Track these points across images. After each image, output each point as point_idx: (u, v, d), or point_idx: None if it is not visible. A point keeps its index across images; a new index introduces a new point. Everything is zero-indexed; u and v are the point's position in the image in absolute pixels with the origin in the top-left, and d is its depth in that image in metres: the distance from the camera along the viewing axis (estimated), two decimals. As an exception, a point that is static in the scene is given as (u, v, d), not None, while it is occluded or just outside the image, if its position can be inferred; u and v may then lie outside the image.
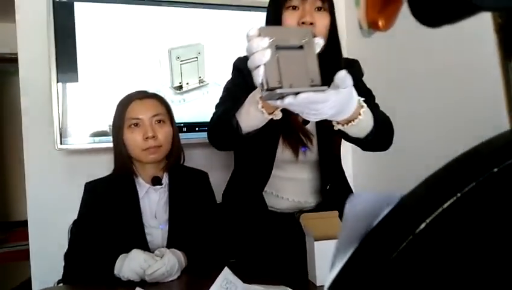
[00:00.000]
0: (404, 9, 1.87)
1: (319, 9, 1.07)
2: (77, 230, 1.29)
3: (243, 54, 0.92)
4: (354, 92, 0.83)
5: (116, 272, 1.11)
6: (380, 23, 1.98)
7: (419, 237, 0.19)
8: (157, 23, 1.96)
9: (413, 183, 0.22)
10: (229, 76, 1.25)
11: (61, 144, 1.82)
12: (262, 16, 1.21)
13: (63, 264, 1.23)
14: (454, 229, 0.19)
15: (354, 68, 1.20)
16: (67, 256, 1.24)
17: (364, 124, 0.91)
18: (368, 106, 0.92)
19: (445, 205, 0.19)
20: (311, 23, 1.04)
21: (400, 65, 1.95)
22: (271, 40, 0.70)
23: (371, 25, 2.07)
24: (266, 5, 1.18)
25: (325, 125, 1.01)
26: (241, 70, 1.08)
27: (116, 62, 1.91)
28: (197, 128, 2.02)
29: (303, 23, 1.04)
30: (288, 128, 1.12)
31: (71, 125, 1.85)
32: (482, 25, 1.44)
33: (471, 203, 0.19)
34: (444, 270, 0.19)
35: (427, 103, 1.78)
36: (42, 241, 1.92)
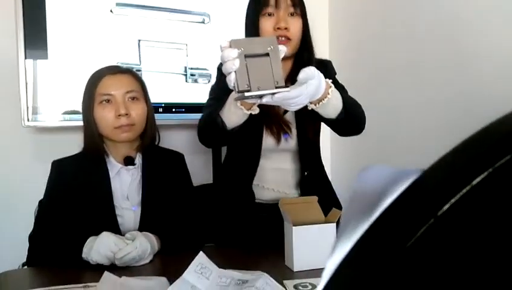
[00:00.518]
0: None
1: (292, 14, 1.19)
2: (43, 210, 1.22)
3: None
4: (322, 77, 0.95)
5: (84, 255, 1.06)
6: None
7: (441, 221, 0.15)
8: (133, -4, 1.87)
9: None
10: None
11: (28, 120, 1.74)
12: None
13: (28, 246, 1.17)
14: (484, 211, 0.15)
15: (327, 68, 1.30)
16: (32, 238, 1.18)
17: (333, 102, 1.02)
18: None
19: (475, 182, 0.15)
20: (286, 28, 1.16)
21: (385, 55, 1.94)
22: (240, 50, 0.84)
23: None
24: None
25: (302, 114, 1.18)
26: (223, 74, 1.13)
27: (89, 38, 1.81)
28: (173, 110, 1.95)
29: (278, 28, 1.16)
30: (269, 118, 1.22)
31: (41, 102, 1.76)
32: (474, 15, 1.42)
33: (506, 180, 0.15)
34: (470, 260, 0.15)
35: (410, 93, 1.77)
36: (7, 222, 1.84)
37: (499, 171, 0.15)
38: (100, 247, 1.03)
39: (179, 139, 2.00)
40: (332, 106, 1.04)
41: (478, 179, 0.15)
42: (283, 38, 1.16)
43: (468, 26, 1.45)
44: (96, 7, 1.82)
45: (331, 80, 1.03)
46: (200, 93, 1.98)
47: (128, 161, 1.23)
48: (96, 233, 1.08)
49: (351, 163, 2.12)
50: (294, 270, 1.03)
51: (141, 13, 1.89)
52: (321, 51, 2.34)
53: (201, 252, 0.91)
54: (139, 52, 1.89)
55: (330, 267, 0.17)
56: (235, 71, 0.85)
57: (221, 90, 1.14)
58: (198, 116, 1.96)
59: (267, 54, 0.87)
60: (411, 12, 1.72)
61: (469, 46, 1.45)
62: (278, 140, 1.24)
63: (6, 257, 1.79)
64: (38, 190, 1.31)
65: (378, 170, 0.18)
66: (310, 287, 0.95)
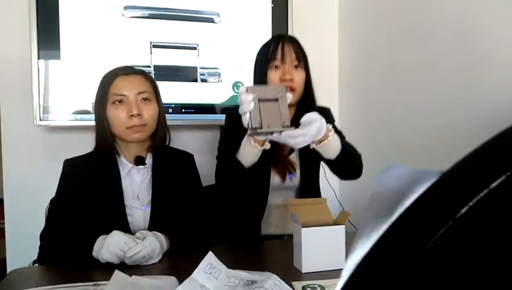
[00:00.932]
0: (397, 1, 1.85)
1: (296, 67, 1.32)
2: (54, 209, 1.23)
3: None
4: (323, 121, 1.11)
5: (94, 253, 1.07)
6: None
7: (460, 223, 0.15)
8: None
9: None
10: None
11: (40, 120, 1.76)
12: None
13: (39, 244, 1.18)
14: (502, 214, 0.16)
15: (326, 114, 1.38)
16: (43, 236, 1.19)
17: (333, 143, 1.17)
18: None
19: (493, 186, 0.16)
20: (291, 80, 1.29)
21: (394, 58, 1.93)
22: (254, 95, 1.01)
23: None
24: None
25: (306, 155, 1.34)
26: (234, 117, 1.28)
27: (101, 39, 1.83)
28: (183, 110, 1.96)
29: (284, 79, 1.28)
30: (276, 158, 1.35)
31: (52, 102, 1.78)
32: (482, 17, 1.41)
33: (524, 184, 0.16)
34: (488, 261, 0.15)
35: (420, 97, 1.76)
36: (18, 220, 1.86)
37: (517, 175, 0.16)
38: (110, 245, 1.04)
39: (188, 139, 2.01)
40: (332, 146, 1.18)
41: (496, 183, 0.15)
42: (288, 89, 1.24)
43: (478, 29, 1.43)
44: (108, 9, 1.84)
45: (331, 125, 1.18)
46: (210, 94, 1.99)
47: (139, 161, 1.24)
48: (107, 232, 1.08)
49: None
50: (303, 271, 1.03)
51: (152, 15, 1.91)
52: (331, 53, 2.36)
53: (210, 252, 0.91)
54: (151, 55, 1.90)
55: (350, 266, 0.18)
56: (250, 112, 1.02)
57: (232, 135, 1.28)
58: (208, 116, 2.00)
59: (277, 99, 1.04)
60: (422, 13, 1.72)
61: (479, 49, 1.43)
62: (284, 179, 1.36)
63: (17, 255, 1.82)
64: (49, 189, 1.32)
65: (396, 171, 0.18)
66: (318, 288, 0.95)
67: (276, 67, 1.31)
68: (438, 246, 0.16)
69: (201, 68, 1.98)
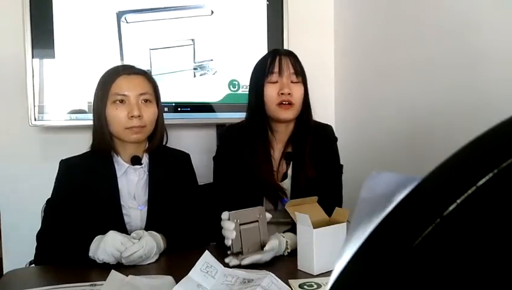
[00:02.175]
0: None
1: (294, 82, 1.30)
2: (51, 209, 1.23)
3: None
4: (281, 247, 1.14)
5: (91, 254, 1.06)
6: None
7: (448, 221, 0.15)
8: (139, -3, 1.88)
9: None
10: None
11: (35, 120, 1.75)
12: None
13: (36, 244, 1.18)
14: (490, 211, 0.16)
15: (327, 132, 1.42)
16: (40, 236, 1.18)
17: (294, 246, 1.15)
18: (327, 182, 1.32)
19: (480, 183, 0.16)
20: (289, 94, 1.27)
21: (390, 55, 1.93)
22: (236, 222, 1.08)
23: None
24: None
25: (298, 183, 1.33)
26: (227, 138, 1.37)
27: (97, 38, 1.82)
28: (179, 109, 1.96)
29: (282, 93, 1.27)
30: (267, 187, 1.33)
31: (47, 102, 1.77)
32: (478, 15, 1.41)
33: (510, 181, 0.16)
34: (477, 260, 0.16)
35: (416, 93, 1.77)
36: (14, 221, 1.86)
37: (504, 172, 0.16)
38: (107, 246, 1.04)
39: (184, 138, 2.00)
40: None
41: (483, 181, 0.16)
42: (286, 103, 1.28)
43: (476, 25, 1.44)
44: (102, 7, 1.83)
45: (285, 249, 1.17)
46: (206, 92, 1.99)
47: (135, 161, 1.24)
48: (103, 232, 1.08)
49: (358, 163, 2.12)
50: (315, 273, 1.01)
51: (148, 16, 1.90)
52: (326, 54, 2.36)
53: (206, 251, 0.91)
54: (150, 57, 1.90)
55: (338, 268, 0.18)
56: (231, 239, 1.07)
57: (225, 174, 1.33)
58: (204, 115, 1.99)
59: (257, 221, 1.12)
60: (417, 11, 1.72)
61: (476, 46, 1.44)
62: (276, 206, 1.34)
63: (14, 256, 1.81)
64: (45, 189, 1.31)
65: (384, 177, 0.18)
66: (315, 286, 0.95)
67: (274, 82, 1.29)
68: (425, 243, 0.16)
69: (198, 62, 1.97)
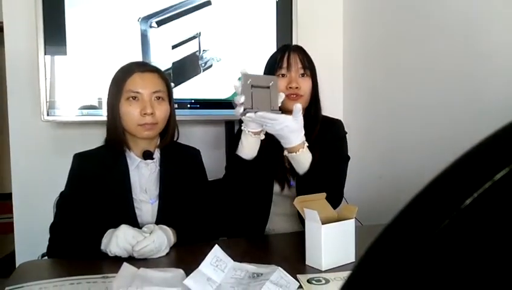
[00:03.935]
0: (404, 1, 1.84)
1: (303, 75, 1.35)
2: (64, 202, 1.24)
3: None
4: (300, 128, 1.20)
5: (103, 247, 1.08)
6: None
7: (465, 213, 0.16)
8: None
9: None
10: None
11: (47, 115, 1.77)
12: None
13: (49, 236, 1.20)
14: (506, 205, 0.16)
15: (336, 126, 1.45)
16: (53, 228, 1.20)
17: (302, 159, 1.23)
18: (329, 164, 1.31)
19: (497, 177, 0.16)
20: (297, 87, 1.32)
21: (397, 56, 1.93)
22: (249, 81, 1.12)
23: None
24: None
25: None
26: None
27: (108, 35, 1.84)
28: (188, 106, 1.97)
29: (290, 87, 1.32)
30: (277, 168, 1.39)
31: (59, 98, 1.80)
32: (485, 17, 1.40)
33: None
34: (491, 252, 0.16)
35: (422, 95, 1.76)
36: (27, 214, 1.89)
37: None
38: (119, 240, 1.05)
39: (193, 134, 2.02)
40: (301, 162, 1.24)
41: (499, 175, 0.16)
42: (294, 96, 1.32)
43: (481, 28, 1.43)
44: (114, 5, 1.85)
45: (307, 145, 1.24)
46: (215, 89, 2.00)
47: (147, 155, 1.26)
48: (115, 224, 1.10)
49: (366, 159, 2.12)
50: (323, 269, 1.02)
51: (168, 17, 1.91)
52: (335, 52, 2.36)
53: (216, 245, 0.92)
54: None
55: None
56: (243, 96, 1.12)
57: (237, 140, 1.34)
58: (213, 112, 2.01)
59: (268, 87, 1.15)
60: (427, 10, 1.71)
61: (482, 48, 1.43)
62: (282, 188, 1.39)
63: (26, 249, 1.84)
64: (56, 183, 1.33)
65: None
66: (323, 281, 0.96)
67: (283, 75, 1.34)
68: (443, 235, 0.16)
69: (203, 51, 1.98)
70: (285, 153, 1.25)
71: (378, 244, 0.18)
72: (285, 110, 1.30)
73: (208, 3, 1.98)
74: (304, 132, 1.22)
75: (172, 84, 1.36)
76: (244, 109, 1.12)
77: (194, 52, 1.97)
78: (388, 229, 0.18)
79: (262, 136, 1.26)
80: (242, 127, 1.25)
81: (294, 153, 1.23)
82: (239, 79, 1.16)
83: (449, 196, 0.17)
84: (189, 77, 1.97)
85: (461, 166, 0.18)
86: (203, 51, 1.98)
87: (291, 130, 1.18)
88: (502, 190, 0.16)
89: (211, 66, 1.99)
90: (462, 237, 0.17)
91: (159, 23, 1.91)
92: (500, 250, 0.16)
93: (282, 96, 1.19)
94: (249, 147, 1.26)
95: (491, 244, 0.16)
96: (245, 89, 1.12)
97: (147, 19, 1.89)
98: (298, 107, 1.17)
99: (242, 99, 1.12)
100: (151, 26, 1.89)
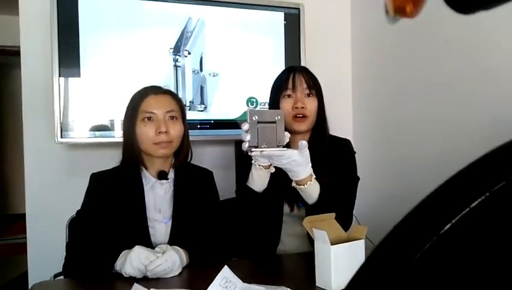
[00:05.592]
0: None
1: (309, 95, 1.37)
2: (80, 221, 1.28)
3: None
4: (307, 162, 1.20)
5: (118, 268, 1.10)
6: (408, 8, 1.96)
7: (444, 239, 0.17)
8: (161, 18, 1.95)
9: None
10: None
11: (61, 137, 1.81)
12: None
13: (64, 255, 1.22)
14: (483, 231, 0.18)
15: (345, 146, 1.46)
16: (69, 246, 1.23)
17: (310, 191, 1.25)
18: (338, 188, 1.32)
19: (473, 205, 0.18)
20: (303, 107, 1.34)
21: (405, 70, 1.94)
22: (255, 118, 1.12)
23: (398, 11, 2.05)
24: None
25: None
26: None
27: (120, 57, 1.89)
28: (198, 126, 2.00)
29: (296, 107, 1.34)
30: (285, 189, 1.36)
31: (72, 119, 1.83)
32: (497, 26, 1.42)
33: (502, 203, 0.17)
34: (470, 274, 0.17)
35: (428, 109, 1.77)
36: (40, 235, 1.91)
37: (495, 195, 0.17)
38: (133, 260, 1.08)
39: (204, 154, 2.04)
40: (309, 194, 1.26)
41: (476, 203, 0.17)
42: (300, 116, 1.34)
43: (488, 42, 1.44)
44: (127, 27, 1.90)
45: (314, 177, 1.24)
46: (224, 110, 2.03)
47: (162, 175, 1.29)
48: (129, 243, 1.13)
49: (375, 178, 2.12)
50: None
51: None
52: (344, 72, 2.38)
53: (225, 266, 0.93)
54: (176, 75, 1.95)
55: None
56: (249, 133, 1.13)
57: (245, 166, 1.36)
58: (223, 132, 2.03)
59: (274, 122, 1.15)
60: (432, 31, 1.73)
61: (491, 66, 1.44)
62: (292, 208, 1.40)
63: (38, 269, 1.86)
64: (69, 204, 1.36)
65: None
66: (333, 302, 0.95)
67: (289, 96, 1.36)
68: (424, 258, 0.18)
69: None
70: (294, 184, 1.26)
71: (363, 270, 0.19)
72: (291, 131, 1.32)
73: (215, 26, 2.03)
74: (310, 165, 1.22)
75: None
76: (250, 146, 1.14)
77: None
78: (374, 253, 0.19)
79: (273, 169, 1.27)
80: (252, 161, 1.26)
81: (302, 186, 1.24)
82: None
83: (429, 222, 0.18)
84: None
85: (441, 194, 0.19)
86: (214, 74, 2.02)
87: (298, 164, 1.19)
88: (478, 216, 0.18)
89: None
90: (442, 260, 0.18)
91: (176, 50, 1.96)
92: (477, 271, 0.17)
93: (287, 136, 1.18)
94: (259, 180, 1.28)
95: (468, 266, 0.18)
96: (251, 126, 1.13)
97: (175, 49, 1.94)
98: (303, 144, 1.17)
99: (247, 138, 1.13)
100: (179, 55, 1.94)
